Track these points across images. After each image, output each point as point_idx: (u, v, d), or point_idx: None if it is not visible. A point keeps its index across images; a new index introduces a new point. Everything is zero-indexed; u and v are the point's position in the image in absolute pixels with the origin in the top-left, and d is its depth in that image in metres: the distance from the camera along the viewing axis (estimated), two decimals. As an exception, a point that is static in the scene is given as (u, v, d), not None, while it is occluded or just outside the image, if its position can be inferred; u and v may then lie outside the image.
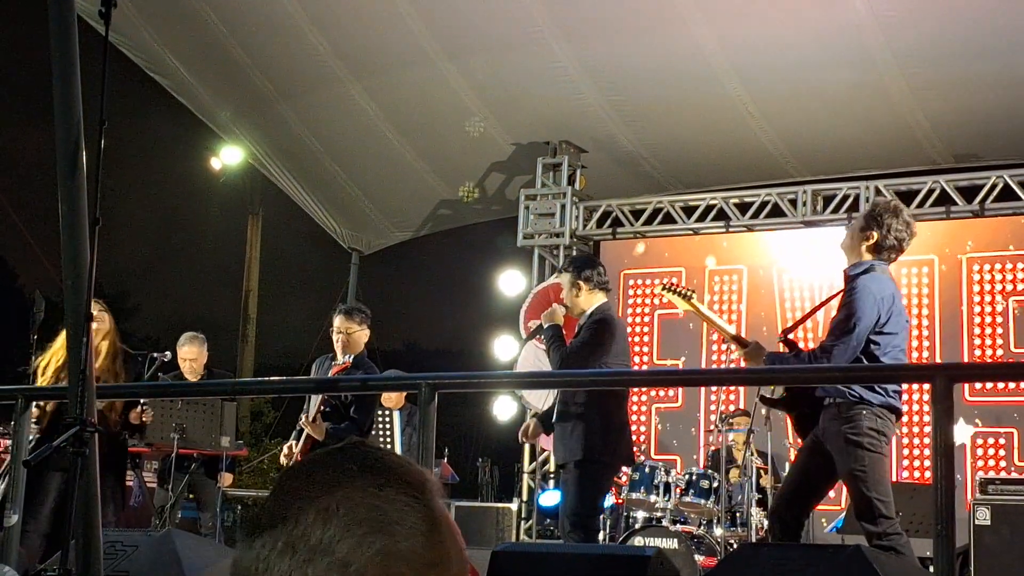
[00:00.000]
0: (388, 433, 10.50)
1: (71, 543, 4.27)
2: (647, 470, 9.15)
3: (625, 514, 9.37)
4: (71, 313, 4.44)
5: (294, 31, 11.71)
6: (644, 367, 12.08)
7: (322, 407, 7.80)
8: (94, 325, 7.92)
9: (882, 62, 10.68)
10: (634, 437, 11.68)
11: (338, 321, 8.08)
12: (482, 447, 22.60)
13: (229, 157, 19.56)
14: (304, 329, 26.15)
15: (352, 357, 7.87)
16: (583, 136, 12.67)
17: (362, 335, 8.07)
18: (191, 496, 9.73)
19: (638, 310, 12.44)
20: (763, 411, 8.47)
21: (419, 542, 1.40)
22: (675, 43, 11.01)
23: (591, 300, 7.41)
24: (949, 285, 11.10)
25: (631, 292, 12.53)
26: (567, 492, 7.23)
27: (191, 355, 9.55)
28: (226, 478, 9.85)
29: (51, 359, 7.92)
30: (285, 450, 8.22)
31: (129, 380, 8.09)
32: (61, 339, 7.89)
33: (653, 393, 12.04)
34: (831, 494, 10.97)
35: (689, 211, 12.49)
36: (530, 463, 12.63)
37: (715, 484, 8.86)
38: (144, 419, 8.16)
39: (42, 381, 7.80)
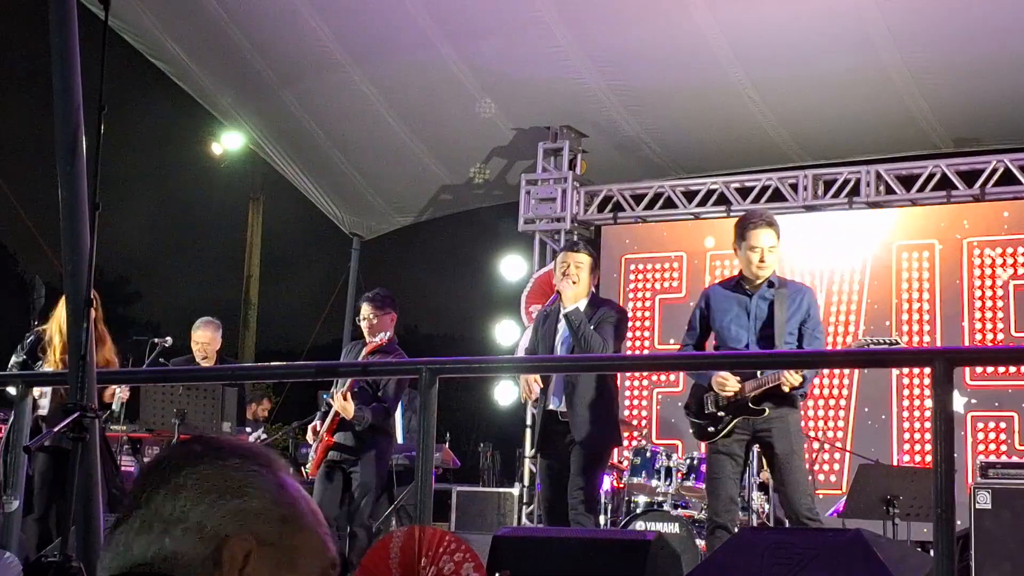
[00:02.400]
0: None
1: (71, 529, 4.28)
2: (648, 455, 9.16)
3: (626, 499, 9.38)
4: (71, 298, 4.44)
5: (294, 16, 11.69)
6: (645, 351, 12.09)
7: (353, 387, 7.96)
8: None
9: (883, 46, 10.67)
10: (635, 422, 11.75)
11: (364, 308, 8.22)
12: (483, 432, 22.62)
13: (230, 142, 19.60)
14: (305, 314, 26.19)
15: (385, 335, 8.02)
16: (584, 121, 12.65)
17: (387, 319, 8.15)
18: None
19: (639, 294, 12.44)
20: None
21: (269, 500, 1.47)
22: (676, 27, 10.99)
23: (591, 286, 7.51)
24: (949, 269, 11.10)
25: (632, 277, 12.53)
26: (585, 472, 7.23)
27: (204, 339, 9.57)
28: None
29: (56, 333, 7.96)
30: (310, 430, 8.27)
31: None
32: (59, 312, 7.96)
33: (655, 378, 12.05)
34: (832, 478, 11.05)
35: (690, 196, 12.48)
36: (531, 448, 12.62)
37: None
38: (122, 397, 8.15)
39: (50, 359, 7.86)
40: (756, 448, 8.20)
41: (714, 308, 6.94)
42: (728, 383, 6.67)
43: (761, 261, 6.81)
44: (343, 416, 7.91)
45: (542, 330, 7.62)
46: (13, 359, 8.28)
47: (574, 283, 7.34)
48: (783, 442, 6.62)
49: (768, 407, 6.64)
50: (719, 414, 6.76)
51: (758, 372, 6.67)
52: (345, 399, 7.86)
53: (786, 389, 6.58)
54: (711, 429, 6.82)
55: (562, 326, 7.38)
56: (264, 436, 11.37)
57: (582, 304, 7.38)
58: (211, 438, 1.54)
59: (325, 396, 8.49)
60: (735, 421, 6.72)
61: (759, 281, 6.87)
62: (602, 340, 7.18)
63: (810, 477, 6.85)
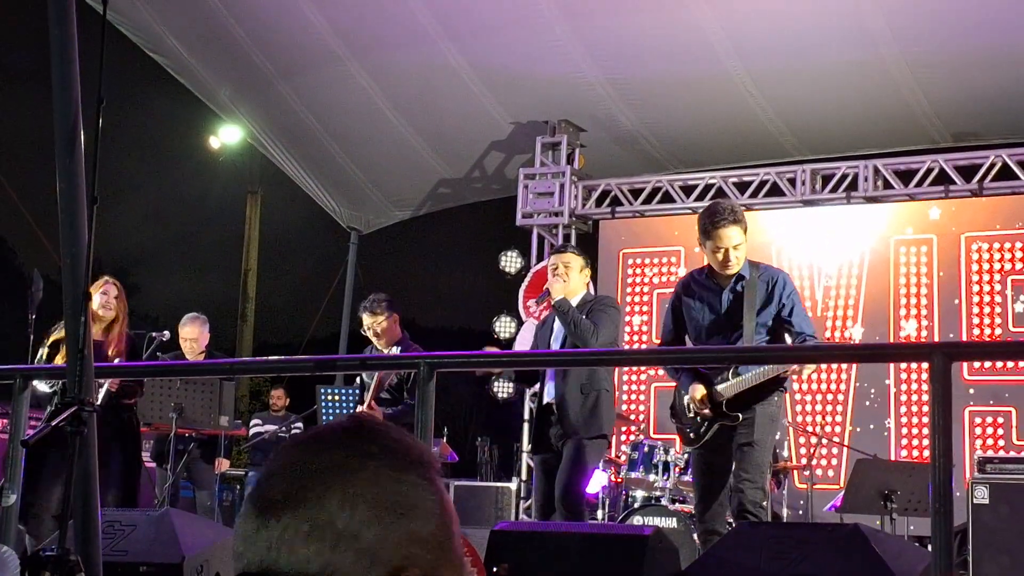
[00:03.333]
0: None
1: (70, 522, 4.27)
2: (646, 449, 9.16)
3: (624, 493, 9.37)
4: (69, 292, 4.43)
5: (293, 9, 11.69)
6: (643, 346, 12.09)
7: (380, 393, 7.95)
8: (110, 313, 8.00)
9: (882, 41, 10.67)
10: (633, 417, 11.75)
11: (365, 320, 8.19)
12: (481, 426, 22.63)
13: (228, 136, 19.58)
14: (303, 308, 26.18)
15: (400, 349, 8.01)
16: (582, 115, 12.65)
17: (391, 322, 8.14)
18: (185, 475, 9.74)
19: (637, 289, 12.44)
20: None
21: (434, 524, 1.42)
22: (675, 21, 11.00)
23: (584, 286, 7.53)
24: (948, 264, 11.10)
25: (630, 271, 12.53)
26: (573, 466, 7.21)
27: (191, 335, 9.55)
28: (222, 463, 9.87)
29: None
30: None
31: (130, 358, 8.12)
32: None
33: (652, 372, 12.05)
34: (830, 473, 11.05)
35: (688, 190, 12.49)
36: (529, 442, 12.62)
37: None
38: (111, 388, 8.06)
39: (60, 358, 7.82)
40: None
41: (686, 303, 6.85)
42: (698, 403, 6.59)
43: (727, 260, 6.64)
44: None
45: (541, 332, 7.71)
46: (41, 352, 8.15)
47: (563, 281, 7.38)
48: (745, 435, 6.50)
49: (742, 412, 6.53)
50: (697, 419, 6.70)
51: (728, 372, 6.56)
52: (372, 408, 7.87)
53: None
54: (692, 436, 6.74)
55: (558, 323, 7.40)
56: (299, 425, 11.36)
57: (575, 302, 7.41)
58: (380, 433, 1.45)
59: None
60: (716, 427, 6.62)
61: (728, 275, 6.78)
62: (592, 325, 7.18)
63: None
